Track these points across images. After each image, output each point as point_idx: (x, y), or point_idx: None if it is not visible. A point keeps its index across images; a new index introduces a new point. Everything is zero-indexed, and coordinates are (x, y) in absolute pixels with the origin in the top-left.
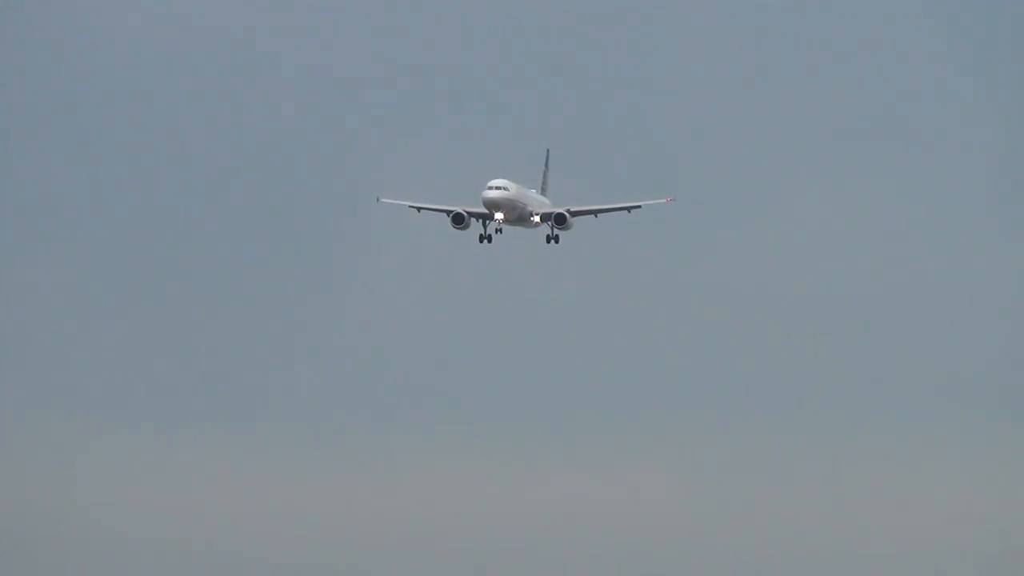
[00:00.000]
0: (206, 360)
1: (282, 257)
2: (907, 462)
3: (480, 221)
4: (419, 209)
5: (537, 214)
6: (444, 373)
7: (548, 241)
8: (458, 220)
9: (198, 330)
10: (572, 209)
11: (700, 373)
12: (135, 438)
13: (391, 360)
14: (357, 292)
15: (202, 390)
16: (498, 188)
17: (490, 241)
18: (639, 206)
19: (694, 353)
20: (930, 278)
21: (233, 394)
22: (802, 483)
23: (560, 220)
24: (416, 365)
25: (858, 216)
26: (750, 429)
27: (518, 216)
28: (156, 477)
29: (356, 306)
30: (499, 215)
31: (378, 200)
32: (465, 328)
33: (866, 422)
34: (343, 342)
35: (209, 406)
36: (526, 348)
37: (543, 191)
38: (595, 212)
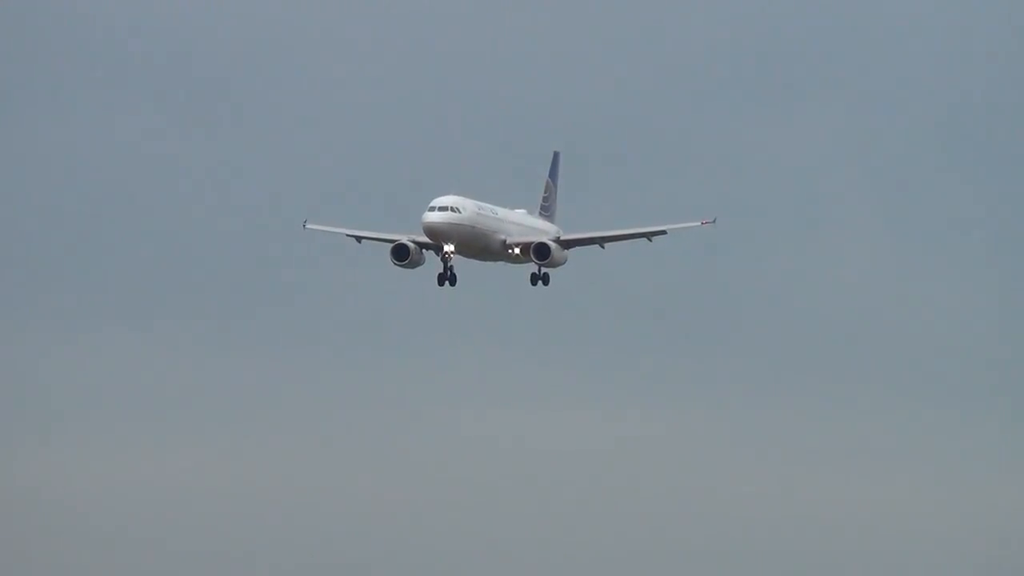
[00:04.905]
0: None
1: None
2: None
3: (440, 255)
4: (359, 239)
5: (516, 244)
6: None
7: (534, 282)
8: (400, 255)
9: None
10: (564, 237)
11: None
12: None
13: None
14: (256, 365)
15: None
16: (442, 209)
17: (452, 283)
18: (664, 231)
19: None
20: (980, 305)
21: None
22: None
23: (542, 253)
24: (343, 455)
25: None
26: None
27: (483, 247)
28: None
29: (251, 386)
30: (448, 247)
31: (304, 226)
32: (404, 416)
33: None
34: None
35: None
36: (492, 448)
37: (546, 211)
38: (600, 240)
